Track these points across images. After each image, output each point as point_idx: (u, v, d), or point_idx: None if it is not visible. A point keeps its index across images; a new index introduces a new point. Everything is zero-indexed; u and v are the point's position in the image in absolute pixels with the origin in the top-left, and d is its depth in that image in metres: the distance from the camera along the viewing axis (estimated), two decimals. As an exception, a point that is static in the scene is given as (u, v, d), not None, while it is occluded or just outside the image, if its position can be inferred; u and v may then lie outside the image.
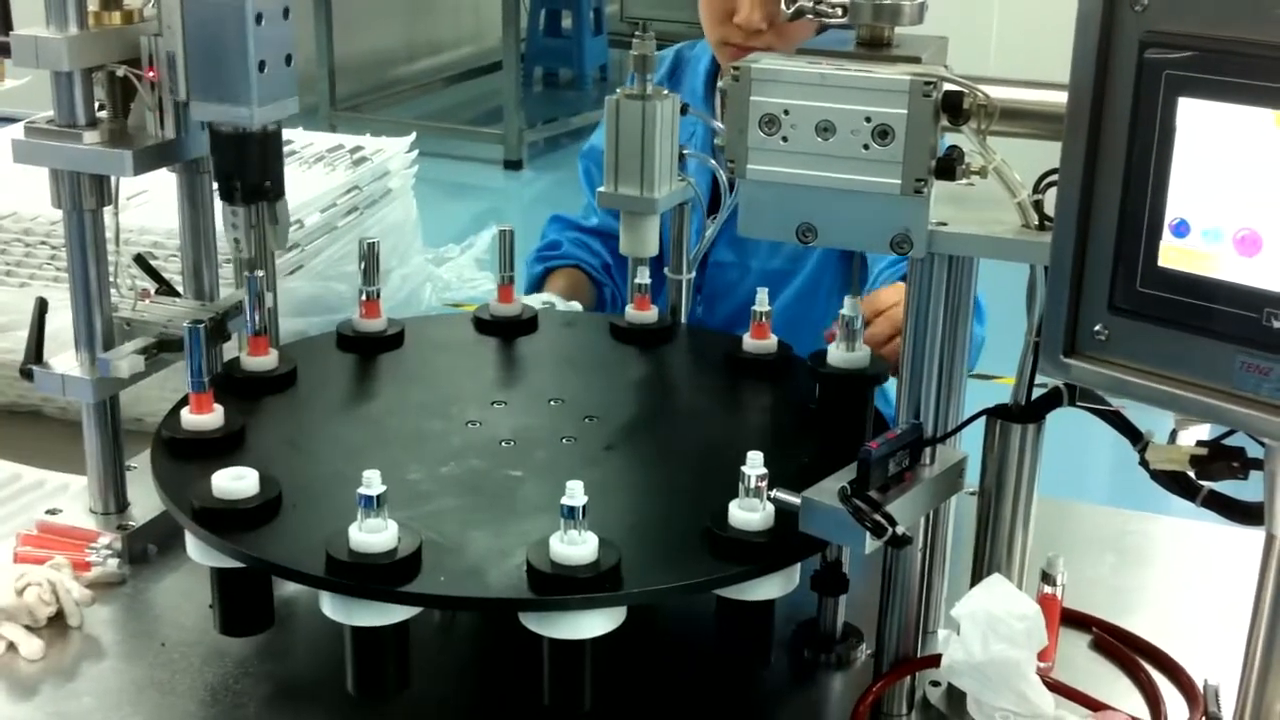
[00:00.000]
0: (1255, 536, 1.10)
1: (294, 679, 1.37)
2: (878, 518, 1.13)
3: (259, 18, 1.38)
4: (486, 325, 1.74)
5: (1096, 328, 1.04)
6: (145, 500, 1.54)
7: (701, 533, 1.25)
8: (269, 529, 1.27)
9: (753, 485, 1.23)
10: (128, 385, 1.54)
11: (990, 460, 1.28)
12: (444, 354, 1.70)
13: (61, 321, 1.56)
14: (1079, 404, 1.22)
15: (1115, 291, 1.02)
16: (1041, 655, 1.21)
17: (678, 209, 1.70)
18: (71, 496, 1.61)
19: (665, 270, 1.77)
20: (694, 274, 1.77)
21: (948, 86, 1.14)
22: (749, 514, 1.23)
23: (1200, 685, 1.35)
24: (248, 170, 1.46)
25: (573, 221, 2.34)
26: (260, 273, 1.53)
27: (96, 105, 1.46)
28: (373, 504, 1.18)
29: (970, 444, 1.28)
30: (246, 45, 1.38)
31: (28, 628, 1.41)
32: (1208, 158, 0.95)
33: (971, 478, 1.28)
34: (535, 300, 1.94)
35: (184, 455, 1.39)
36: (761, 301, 1.62)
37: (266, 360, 1.56)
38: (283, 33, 1.42)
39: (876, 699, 1.30)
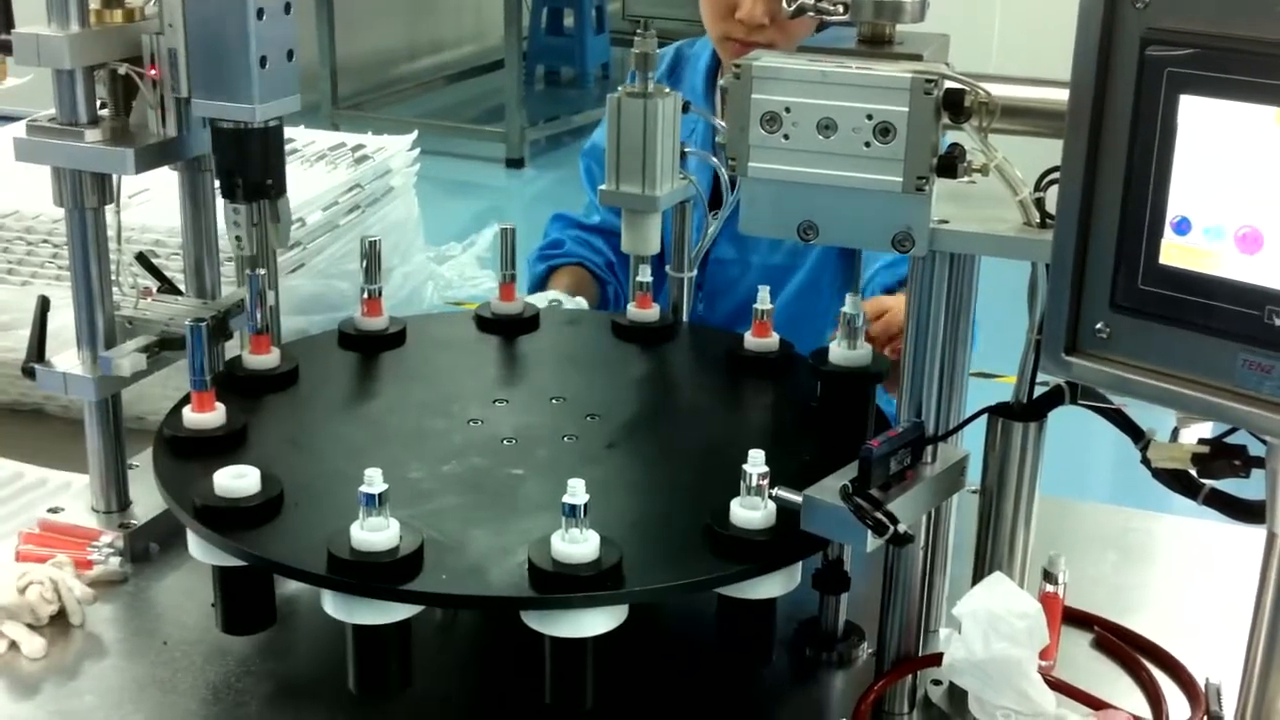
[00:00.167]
0: (1257, 535, 1.09)
1: (296, 677, 1.37)
2: (879, 516, 1.13)
3: (260, 13, 1.38)
4: (488, 323, 1.74)
5: (1098, 326, 1.04)
6: (147, 499, 1.54)
7: (703, 531, 1.25)
8: (271, 527, 1.27)
9: (754, 483, 1.23)
10: (129, 384, 1.54)
11: (992, 458, 1.28)
12: (445, 352, 1.70)
13: (63, 320, 1.56)
14: (1080, 402, 1.22)
15: (1117, 289, 1.02)
16: (1043, 654, 1.21)
17: (679, 207, 1.70)
18: (73, 495, 1.61)
19: (667, 268, 1.77)
20: (695, 272, 1.77)
21: (949, 84, 1.14)
22: (750, 512, 1.23)
23: (1202, 684, 1.34)
24: (249, 167, 1.46)
25: (575, 220, 2.34)
26: (262, 271, 1.53)
27: (98, 103, 1.47)
28: (374, 502, 1.19)
29: (972, 442, 1.28)
30: (248, 41, 1.38)
31: (30, 626, 1.41)
32: (1209, 155, 0.95)
33: (973, 476, 1.28)
34: (541, 299, 1.94)
35: (186, 454, 1.40)
36: (763, 299, 1.62)
37: (268, 358, 1.56)
38: (284, 29, 1.42)
39: (878, 697, 1.30)
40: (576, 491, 1.18)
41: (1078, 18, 0.99)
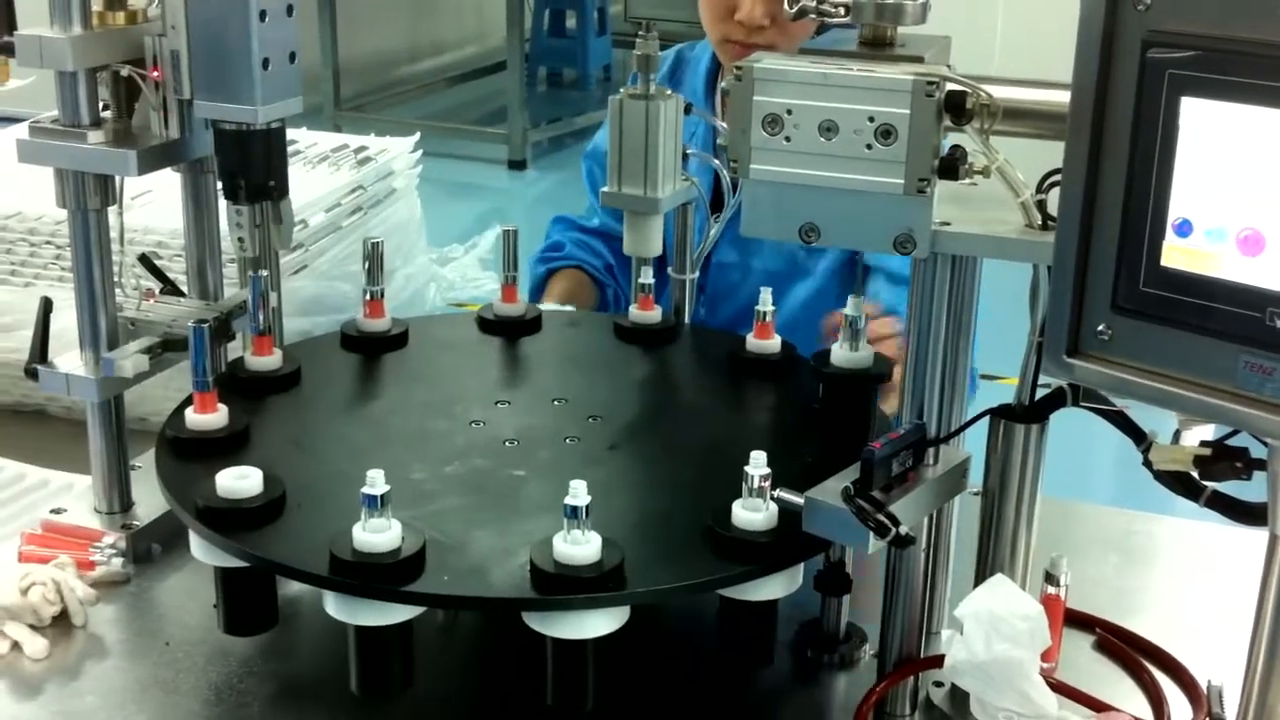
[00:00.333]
0: (1259, 537, 1.09)
1: (298, 678, 1.37)
2: (881, 518, 1.13)
3: (262, 15, 1.39)
4: (490, 325, 1.74)
5: (1100, 328, 1.04)
6: (149, 499, 1.54)
7: (704, 532, 1.25)
8: (273, 528, 1.27)
9: (756, 485, 1.23)
10: (132, 385, 1.54)
11: (994, 460, 1.28)
12: (448, 354, 1.70)
13: (66, 321, 1.56)
14: (1082, 404, 1.22)
15: (1118, 291, 1.02)
16: (1045, 656, 1.20)
17: (681, 208, 1.70)
18: (76, 496, 1.61)
19: (669, 270, 1.77)
20: (697, 274, 1.77)
21: (951, 86, 1.14)
22: (752, 514, 1.23)
23: (1204, 686, 1.34)
24: (252, 169, 1.46)
25: (575, 222, 2.34)
26: (264, 272, 1.53)
27: (101, 105, 1.47)
28: (376, 503, 1.19)
29: (974, 444, 1.28)
30: (250, 43, 1.39)
31: (32, 627, 1.41)
32: (1211, 157, 0.95)
33: (975, 478, 1.28)
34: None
35: (188, 455, 1.40)
36: (765, 301, 1.62)
37: (271, 360, 1.56)
38: (286, 30, 1.42)
39: (880, 699, 1.30)
40: (578, 493, 1.18)
41: (1079, 20, 0.99)
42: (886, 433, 1.20)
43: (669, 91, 1.62)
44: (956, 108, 1.14)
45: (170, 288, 1.64)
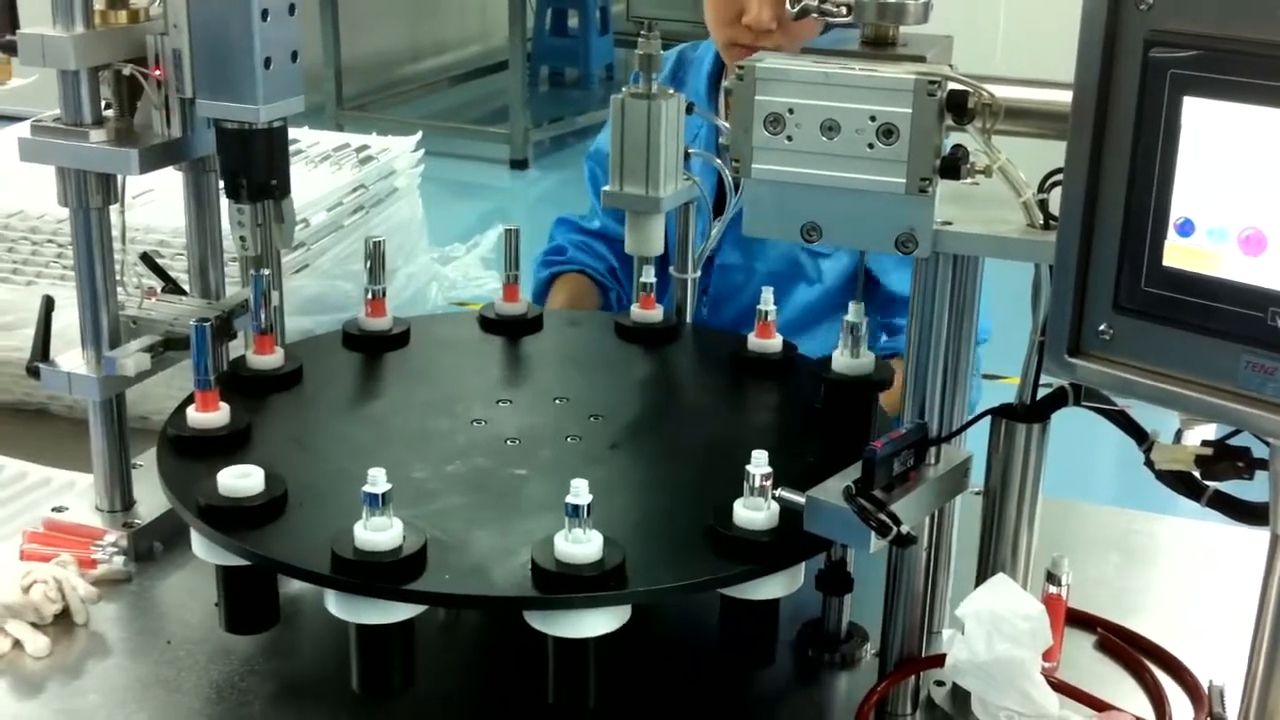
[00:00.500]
0: (1260, 537, 1.09)
1: (299, 677, 1.38)
2: (882, 517, 1.13)
3: (264, 14, 1.39)
4: (492, 324, 1.74)
5: (1101, 327, 1.04)
6: (151, 498, 1.54)
7: (706, 531, 1.25)
8: (274, 527, 1.27)
9: (757, 484, 1.23)
10: (134, 383, 1.54)
11: (995, 460, 1.28)
12: (449, 353, 1.70)
13: (68, 319, 1.57)
14: (1084, 404, 1.22)
15: (1120, 291, 1.02)
16: (1046, 655, 1.20)
17: (683, 208, 1.70)
18: (77, 494, 1.61)
19: (670, 270, 1.77)
20: (699, 273, 1.77)
21: (952, 85, 1.14)
22: (754, 513, 1.23)
23: (1205, 686, 1.34)
24: (254, 168, 1.46)
25: (577, 224, 2.34)
26: (266, 271, 1.54)
27: (103, 104, 1.47)
28: (378, 502, 1.19)
29: (975, 444, 1.28)
30: (252, 42, 1.39)
31: (34, 625, 1.41)
32: (1213, 157, 0.95)
33: (976, 477, 1.28)
34: None
35: (190, 453, 1.40)
36: (766, 301, 1.62)
37: (272, 358, 1.56)
38: (288, 29, 1.42)
39: (881, 698, 1.30)
40: (580, 492, 1.18)
41: (1081, 19, 0.99)
42: (888, 432, 1.20)
43: (671, 91, 1.62)
44: (958, 107, 1.14)
45: (172, 286, 1.64)
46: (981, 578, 1.29)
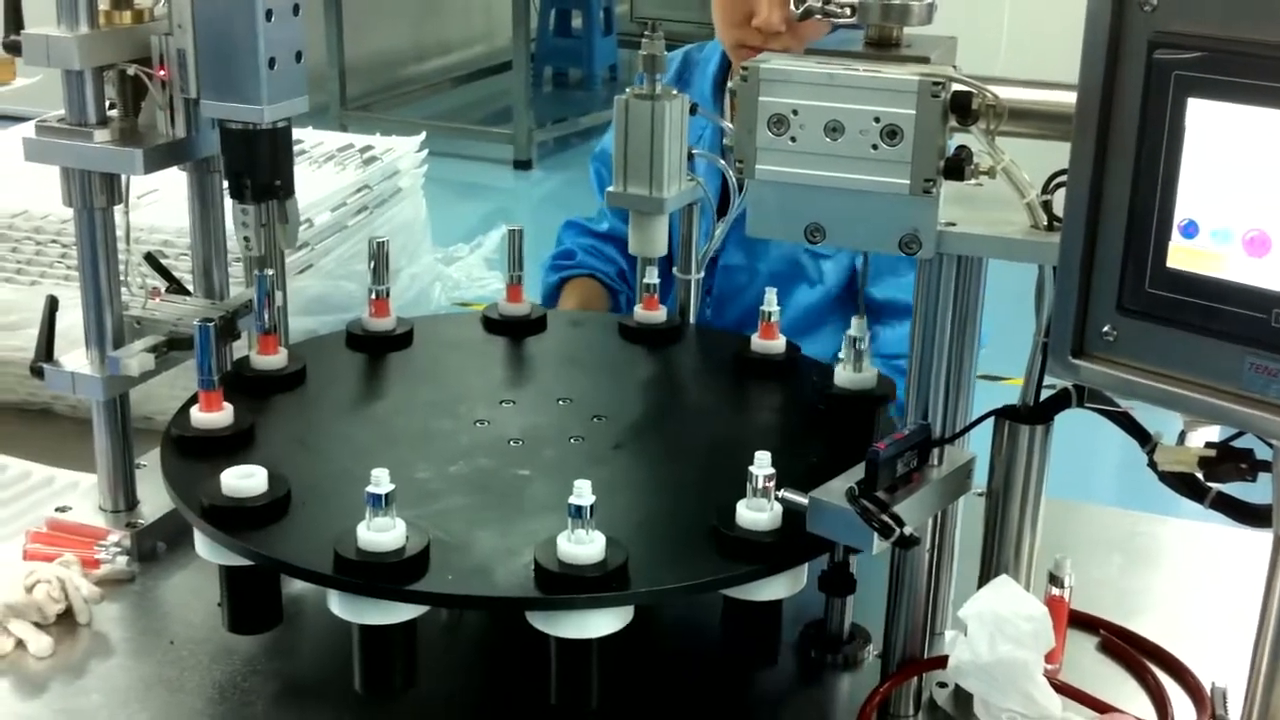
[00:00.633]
0: (1263, 539, 1.09)
1: (302, 677, 1.38)
2: (885, 518, 1.13)
3: (269, 14, 1.39)
4: (495, 324, 1.74)
5: (1105, 328, 1.04)
6: (154, 498, 1.54)
7: (709, 532, 1.25)
8: (278, 527, 1.27)
9: (760, 485, 1.23)
10: (137, 383, 1.54)
11: (998, 461, 1.28)
12: (453, 353, 1.70)
13: (72, 319, 1.57)
14: (1087, 405, 1.22)
15: (1124, 292, 1.02)
16: (1048, 657, 1.20)
17: (686, 209, 1.70)
18: (81, 494, 1.61)
19: (674, 270, 1.77)
20: (702, 274, 1.77)
21: (956, 87, 1.14)
22: (756, 514, 1.23)
23: (1207, 688, 1.34)
24: (258, 168, 1.46)
25: (585, 227, 2.34)
26: (270, 271, 1.54)
27: (107, 104, 1.47)
28: (381, 503, 1.19)
29: (978, 445, 1.28)
30: (257, 42, 1.39)
31: (37, 625, 1.41)
32: (1217, 158, 0.95)
33: (979, 478, 1.28)
34: None
35: (193, 453, 1.40)
36: (769, 302, 1.62)
37: (276, 359, 1.56)
38: (293, 30, 1.42)
39: (883, 700, 1.30)
40: (583, 492, 1.18)
41: (1085, 21, 0.99)
42: (891, 433, 1.20)
43: (675, 92, 1.63)
44: (962, 108, 1.14)
45: (176, 286, 1.65)
46: (984, 579, 1.29)
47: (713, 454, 1.46)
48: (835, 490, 1.16)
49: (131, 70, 1.46)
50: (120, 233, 1.52)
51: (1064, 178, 1.05)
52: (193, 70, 1.42)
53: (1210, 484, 1.17)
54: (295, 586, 1.41)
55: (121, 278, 1.54)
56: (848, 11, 1.21)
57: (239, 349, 1.64)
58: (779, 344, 1.63)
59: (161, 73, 1.45)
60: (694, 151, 1.67)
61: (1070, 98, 1.02)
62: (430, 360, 1.67)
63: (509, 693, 1.36)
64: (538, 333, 1.74)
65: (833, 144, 1.16)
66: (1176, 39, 0.96)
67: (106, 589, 1.47)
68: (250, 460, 1.33)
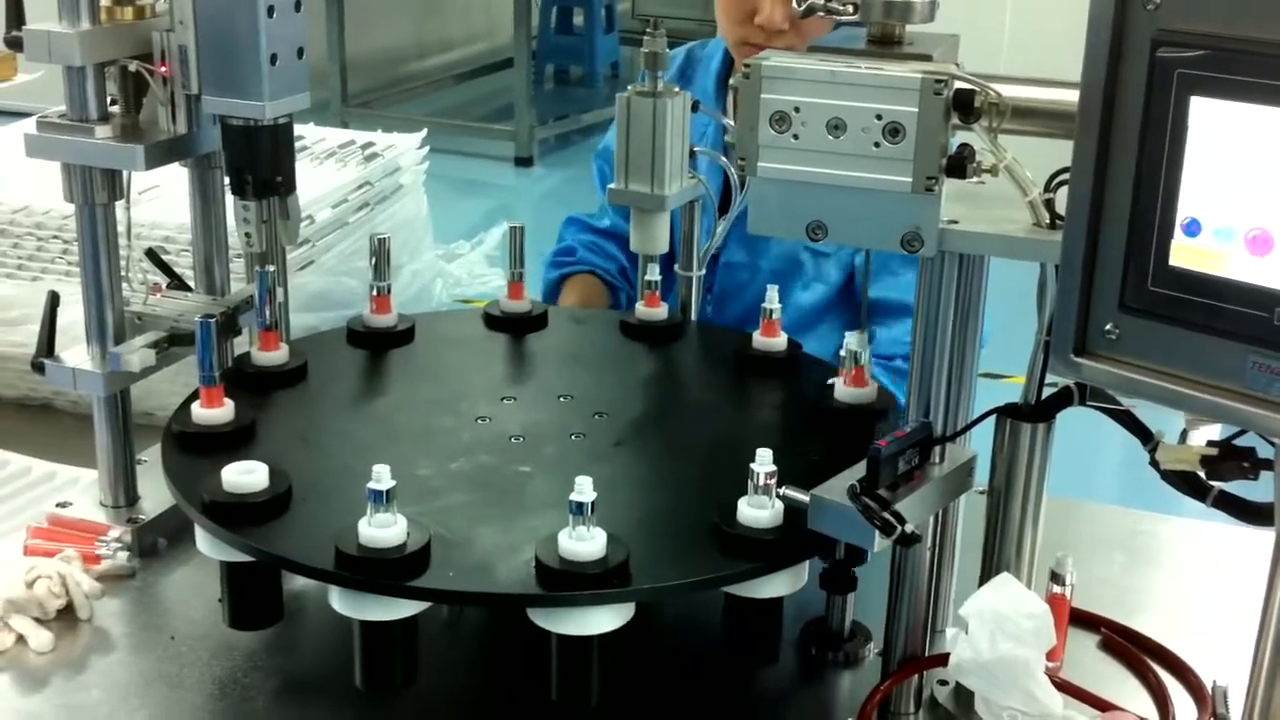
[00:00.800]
0: (1265, 537, 1.09)
1: (302, 673, 1.38)
2: (887, 516, 1.13)
3: (271, 10, 1.39)
4: (496, 321, 1.74)
5: (1107, 327, 1.04)
6: (155, 494, 1.54)
7: (710, 529, 1.25)
8: (278, 523, 1.27)
9: (762, 482, 1.23)
10: (138, 379, 1.54)
11: (1000, 459, 1.28)
12: (454, 350, 1.70)
13: (73, 315, 1.57)
14: (1089, 403, 1.22)
15: (1126, 290, 1.02)
16: (1050, 655, 1.20)
17: (688, 206, 1.70)
18: (82, 490, 1.61)
19: (675, 267, 1.77)
20: (704, 271, 1.77)
21: (959, 84, 1.14)
22: (758, 511, 1.23)
23: (1209, 686, 1.34)
24: (259, 164, 1.46)
25: (587, 223, 2.34)
26: (271, 267, 1.54)
27: (109, 100, 1.47)
28: (382, 499, 1.19)
29: (980, 443, 1.28)
30: (258, 38, 1.39)
31: (37, 620, 1.41)
32: (1219, 157, 0.95)
33: (981, 476, 1.28)
34: None
35: (194, 449, 1.40)
36: (771, 299, 1.62)
37: (277, 355, 1.56)
38: (294, 26, 1.42)
39: (884, 697, 1.30)
40: (584, 489, 1.18)
41: (1088, 19, 0.99)
42: (893, 431, 1.20)
43: (677, 89, 1.63)
44: (965, 106, 1.14)
45: (177, 282, 1.65)
46: (985, 577, 1.29)
47: (714, 451, 1.46)
48: (836, 488, 1.16)
49: (133, 66, 1.46)
50: (121, 228, 1.52)
51: (1066, 176, 1.05)
52: (194, 66, 1.42)
53: (1212, 482, 1.17)
54: (296, 582, 1.41)
55: (123, 273, 1.54)
56: (850, 9, 1.21)
57: (240, 345, 1.64)
58: (780, 341, 1.63)
59: (163, 69, 1.45)
60: (696, 149, 1.67)
61: (1073, 96, 1.02)
62: (431, 357, 1.67)
63: (510, 689, 1.36)
64: (539, 329, 1.74)
65: (835, 141, 1.15)
66: (1179, 37, 0.95)
67: (107, 584, 1.47)
68: (251, 456, 1.33)
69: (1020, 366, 1.26)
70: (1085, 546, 1.60)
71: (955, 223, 1.17)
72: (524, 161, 7.26)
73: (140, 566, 1.53)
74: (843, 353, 1.46)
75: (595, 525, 1.18)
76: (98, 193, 1.48)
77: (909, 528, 1.14)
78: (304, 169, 1.94)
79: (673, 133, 1.61)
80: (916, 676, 1.31)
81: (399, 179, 2.18)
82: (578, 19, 8.96)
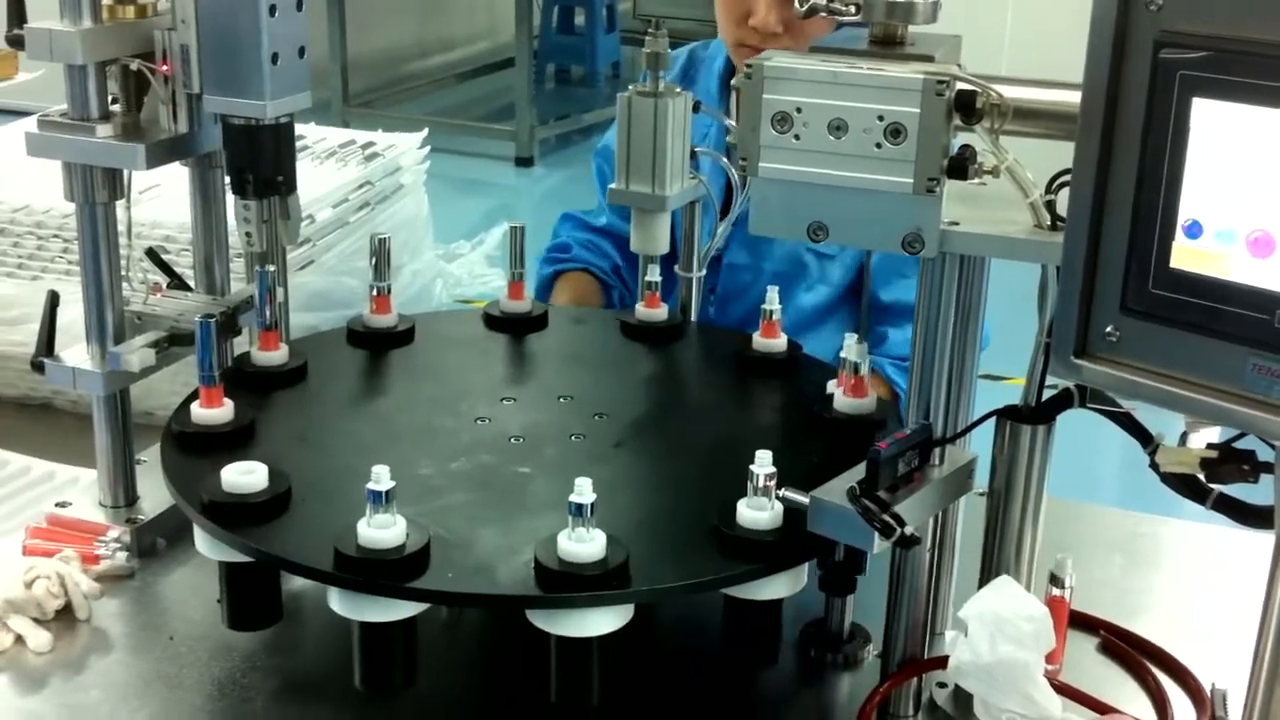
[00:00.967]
0: (1265, 540, 1.09)
1: (301, 674, 1.37)
2: (886, 518, 1.13)
3: (272, 9, 1.39)
4: (496, 321, 1.74)
5: (1108, 329, 1.04)
6: (155, 494, 1.54)
7: (710, 531, 1.25)
8: (278, 524, 1.27)
9: (761, 484, 1.23)
10: (138, 379, 1.54)
11: (1000, 461, 1.28)
12: (454, 350, 1.70)
13: (73, 315, 1.57)
14: (1089, 405, 1.22)
15: (1127, 292, 1.02)
16: (1049, 657, 1.20)
17: (689, 207, 1.70)
18: (81, 490, 1.61)
19: (675, 268, 1.76)
20: (704, 272, 1.77)
21: (961, 85, 1.14)
22: (757, 513, 1.23)
23: (1208, 689, 1.34)
24: (260, 164, 1.46)
25: (583, 221, 2.34)
26: (271, 267, 1.53)
27: (110, 99, 1.47)
28: (381, 499, 1.19)
29: (980, 445, 1.28)
30: (260, 37, 1.39)
31: (36, 620, 1.41)
32: (1221, 159, 0.95)
33: (981, 478, 1.28)
34: None
35: (194, 449, 1.40)
36: (771, 300, 1.62)
37: (277, 355, 1.56)
38: (296, 25, 1.42)
39: (883, 700, 1.29)
40: (583, 490, 1.17)
41: (1091, 20, 0.99)
42: (893, 433, 1.20)
43: (678, 89, 1.62)
44: (966, 107, 1.14)
45: (177, 282, 1.65)
46: (985, 579, 1.29)
47: (714, 452, 1.45)
48: (836, 490, 1.16)
49: (134, 65, 1.46)
50: (122, 228, 1.52)
51: (1067, 177, 1.05)
52: (195, 65, 1.42)
53: (1212, 485, 1.16)
54: (295, 583, 1.41)
55: (123, 273, 1.54)
56: (852, 9, 1.21)
57: (240, 345, 1.64)
58: (780, 343, 1.63)
59: (164, 68, 1.44)
60: (697, 150, 1.67)
61: (1075, 97, 1.02)
62: (431, 357, 1.67)
63: (509, 691, 1.36)
64: (539, 330, 1.74)
65: (836, 142, 1.15)
66: (1182, 38, 0.95)
67: (106, 585, 1.47)
68: (251, 456, 1.32)
69: (1020, 368, 1.26)
70: (1085, 549, 1.60)
71: (956, 224, 1.17)
72: (525, 161, 7.26)
73: (139, 567, 1.52)
74: (842, 354, 1.46)
75: (595, 527, 1.18)
76: (98, 192, 1.48)
77: (908, 530, 1.14)
78: (305, 168, 1.94)
79: (674, 133, 1.61)
80: (916, 679, 1.31)
81: (399, 179, 2.18)
82: (579, 19, 8.96)
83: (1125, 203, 1.00)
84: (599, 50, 8.87)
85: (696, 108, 1.66)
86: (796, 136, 1.16)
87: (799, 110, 1.16)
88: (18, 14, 1.51)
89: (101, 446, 1.56)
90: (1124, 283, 1.02)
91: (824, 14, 1.23)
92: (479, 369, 1.66)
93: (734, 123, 1.21)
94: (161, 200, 1.92)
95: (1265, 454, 1.06)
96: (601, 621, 1.18)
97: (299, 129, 1.55)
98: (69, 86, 1.44)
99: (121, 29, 1.45)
